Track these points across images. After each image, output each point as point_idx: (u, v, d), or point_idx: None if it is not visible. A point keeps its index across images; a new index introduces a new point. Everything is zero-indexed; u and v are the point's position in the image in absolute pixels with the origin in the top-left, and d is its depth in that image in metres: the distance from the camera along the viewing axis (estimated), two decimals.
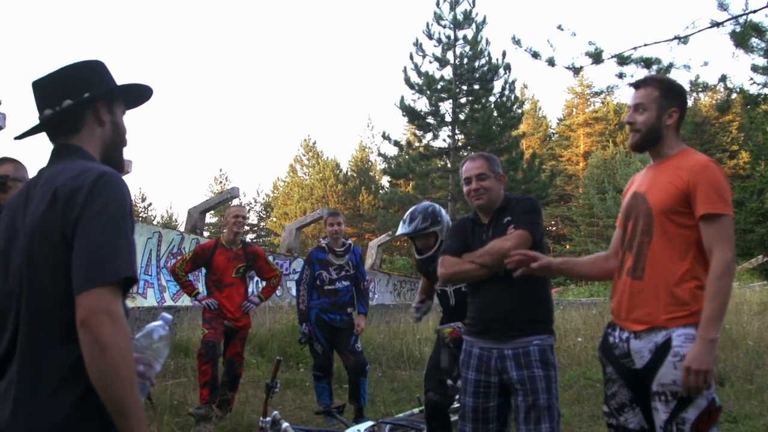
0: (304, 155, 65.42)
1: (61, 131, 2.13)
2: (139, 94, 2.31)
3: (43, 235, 1.86)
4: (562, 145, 69.20)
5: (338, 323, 7.38)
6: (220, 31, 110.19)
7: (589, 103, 69.76)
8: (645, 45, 7.92)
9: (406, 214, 5.54)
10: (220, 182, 67.92)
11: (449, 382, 5.13)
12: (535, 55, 8.47)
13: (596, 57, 7.95)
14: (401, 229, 5.47)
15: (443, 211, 5.49)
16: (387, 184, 53.00)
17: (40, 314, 1.84)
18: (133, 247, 1.90)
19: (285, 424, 5.13)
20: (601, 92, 9.85)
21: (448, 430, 5.46)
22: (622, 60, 8.01)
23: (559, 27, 8.30)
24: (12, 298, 1.91)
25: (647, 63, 7.90)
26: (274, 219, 62.75)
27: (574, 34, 8.09)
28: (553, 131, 73.09)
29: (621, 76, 8.33)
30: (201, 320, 7.56)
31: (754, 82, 9.34)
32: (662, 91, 3.31)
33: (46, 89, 2.13)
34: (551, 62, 8.44)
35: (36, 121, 2.17)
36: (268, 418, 5.18)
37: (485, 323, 4.02)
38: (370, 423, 5.80)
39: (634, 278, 3.24)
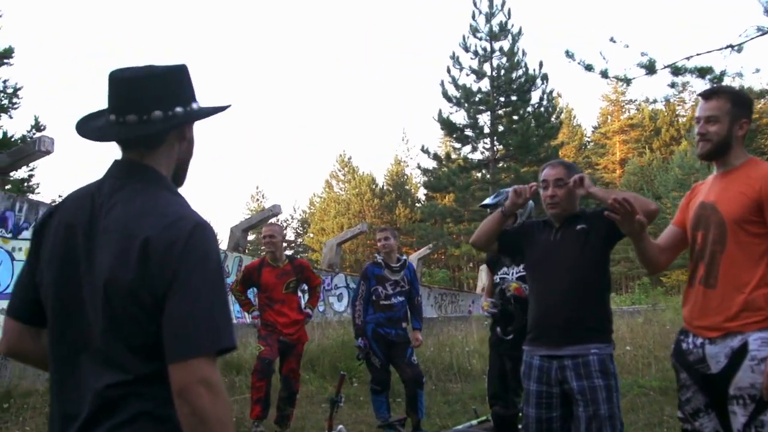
0: (339, 170, 65.73)
1: (139, 144, 1.91)
2: (219, 110, 2.05)
3: (130, 292, 1.71)
4: (598, 153, 68.93)
5: (393, 337, 7.41)
6: (254, 49, 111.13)
7: (624, 110, 69.47)
8: (698, 54, 7.95)
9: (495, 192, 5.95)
10: (257, 200, 68.34)
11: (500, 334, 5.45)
12: (589, 67, 8.51)
13: (650, 68, 7.97)
14: (487, 200, 5.81)
15: (530, 203, 5.62)
16: (423, 198, 53.03)
17: (119, 362, 1.73)
18: (229, 309, 1.79)
19: None
20: (654, 101, 9.83)
21: None
22: (676, 70, 8.02)
23: (612, 39, 8.34)
24: (77, 334, 1.80)
25: (702, 72, 7.90)
26: (311, 235, 63.04)
27: (627, 46, 8.15)
28: (589, 139, 72.78)
29: (673, 85, 8.36)
30: (256, 337, 7.64)
31: None
32: (734, 102, 3.36)
33: (133, 90, 1.87)
34: (605, 74, 8.48)
35: (110, 121, 1.90)
36: None
37: (544, 329, 4.03)
38: None
39: (707, 287, 3.31)
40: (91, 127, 1.96)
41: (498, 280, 5.61)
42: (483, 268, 27.18)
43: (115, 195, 1.84)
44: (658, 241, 3.65)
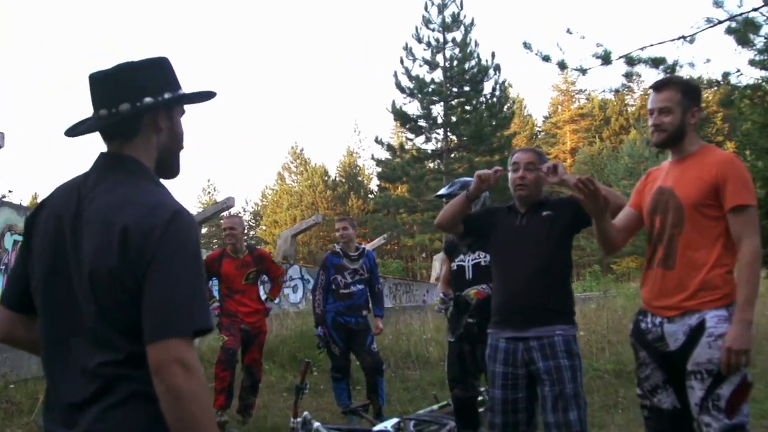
0: (291, 162, 65.49)
1: (116, 136, 1.99)
2: (200, 98, 2.16)
3: (115, 279, 1.77)
4: (549, 142, 69.60)
5: (354, 325, 7.49)
6: (204, 39, 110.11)
7: (574, 100, 70.27)
8: (651, 45, 8.16)
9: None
10: (209, 193, 67.85)
11: (449, 337, 5.45)
12: (546, 58, 8.64)
13: (605, 58, 8.13)
14: (442, 190, 5.85)
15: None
16: (376, 188, 53.13)
17: (109, 342, 1.80)
18: (205, 292, 1.86)
19: (316, 424, 5.26)
20: (612, 90, 10.05)
21: (476, 424, 5.63)
22: (631, 60, 8.21)
23: (568, 31, 8.48)
24: (70, 320, 1.87)
25: (655, 63, 8.11)
26: (264, 227, 62.78)
27: (583, 38, 8.32)
28: (539, 129, 73.47)
29: (628, 75, 8.55)
30: (217, 326, 7.64)
31: (741, 74, 9.65)
32: (684, 92, 3.50)
33: (104, 87, 1.97)
34: (562, 65, 8.63)
35: (90, 117, 2.03)
36: (298, 419, 5.30)
37: (509, 313, 4.13)
38: (395, 420, 5.93)
39: (666, 268, 3.45)
40: (75, 127, 2.06)
41: (455, 267, 5.70)
42: (437, 258, 27.37)
43: (98, 186, 1.91)
44: (615, 222, 3.77)
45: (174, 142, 2.10)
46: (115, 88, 1.96)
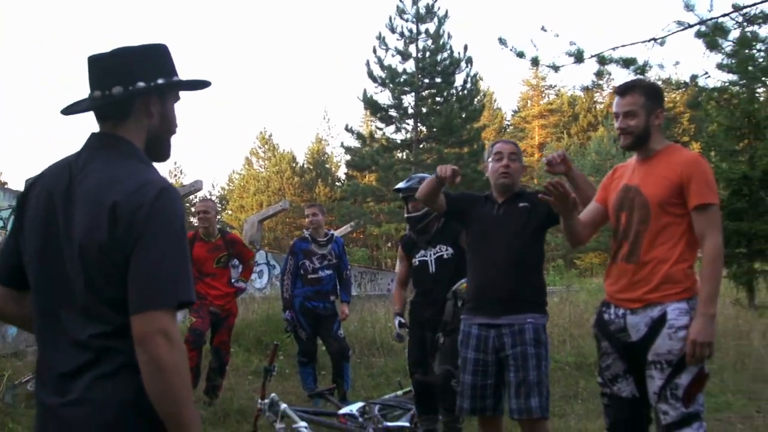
0: (260, 148, 65.06)
1: (108, 117, 2.04)
2: (194, 85, 2.22)
3: (104, 254, 1.83)
4: (517, 137, 69.54)
5: (321, 311, 7.59)
6: (173, 20, 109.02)
7: (543, 95, 70.54)
8: (623, 45, 8.32)
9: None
10: (175, 175, 67.23)
11: (438, 335, 5.47)
12: (520, 54, 8.78)
13: (578, 56, 8.28)
14: (401, 184, 5.87)
15: None
16: (343, 176, 53.08)
17: (99, 315, 1.85)
18: (189, 267, 1.92)
19: (283, 406, 5.34)
20: (585, 88, 10.17)
21: (436, 409, 5.73)
22: (602, 60, 8.38)
23: (543, 28, 8.62)
24: (60, 294, 1.93)
25: (626, 63, 8.28)
26: (230, 212, 62.47)
27: (557, 35, 8.46)
28: (508, 123, 73.60)
29: (600, 74, 8.71)
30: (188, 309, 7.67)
31: (709, 76, 9.88)
32: (647, 95, 3.61)
33: (99, 69, 2.03)
34: (535, 62, 8.77)
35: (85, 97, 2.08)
36: (266, 400, 5.38)
37: (483, 301, 4.27)
38: (360, 403, 6.03)
39: (631, 263, 3.57)
40: (71, 107, 2.11)
41: (417, 263, 5.77)
42: None
43: (89, 165, 1.97)
44: (581, 217, 3.88)
45: (165, 127, 2.15)
46: (110, 71, 2.01)
